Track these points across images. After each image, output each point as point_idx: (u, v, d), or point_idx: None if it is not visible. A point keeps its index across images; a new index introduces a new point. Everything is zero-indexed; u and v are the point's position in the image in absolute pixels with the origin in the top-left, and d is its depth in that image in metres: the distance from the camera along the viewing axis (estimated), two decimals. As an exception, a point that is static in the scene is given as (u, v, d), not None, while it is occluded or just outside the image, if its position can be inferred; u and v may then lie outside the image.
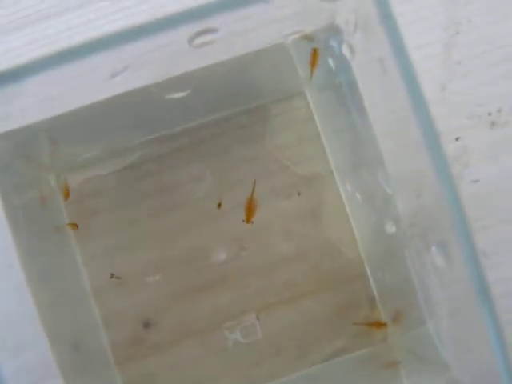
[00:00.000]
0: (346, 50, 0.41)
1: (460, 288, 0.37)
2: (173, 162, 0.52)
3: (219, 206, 0.51)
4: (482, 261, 0.34)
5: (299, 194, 0.52)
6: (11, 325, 0.40)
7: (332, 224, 0.52)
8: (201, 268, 0.51)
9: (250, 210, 0.51)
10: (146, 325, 0.51)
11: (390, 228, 0.44)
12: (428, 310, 0.42)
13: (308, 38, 0.44)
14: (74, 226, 0.50)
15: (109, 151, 0.51)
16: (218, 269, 0.52)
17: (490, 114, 0.51)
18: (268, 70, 0.48)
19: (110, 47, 0.33)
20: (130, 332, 0.51)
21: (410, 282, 0.42)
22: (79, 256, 0.51)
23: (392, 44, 0.35)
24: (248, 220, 0.51)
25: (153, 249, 0.51)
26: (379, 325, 0.51)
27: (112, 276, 0.51)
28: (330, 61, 0.44)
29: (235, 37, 0.39)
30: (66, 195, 0.51)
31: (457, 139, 0.51)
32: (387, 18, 0.34)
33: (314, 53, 0.47)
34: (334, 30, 0.41)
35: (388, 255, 0.48)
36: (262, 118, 0.52)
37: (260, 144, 0.52)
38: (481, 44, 0.51)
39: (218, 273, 0.52)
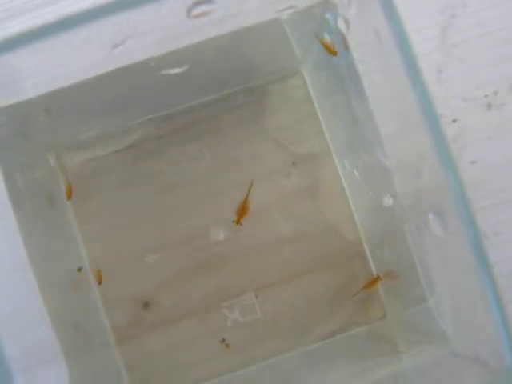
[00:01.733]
0: (341, 25, 0.41)
1: (459, 258, 0.37)
2: (171, 142, 0.52)
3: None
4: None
5: (294, 163, 0.52)
6: (14, 306, 0.40)
7: (330, 203, 0.52)
8: (199, 248, 0.52)
9: (243, 211, 0.51)
10: (146, 304, 0.51)
11: (388, 202, 0.44)
12: (428, 286, 0.42)
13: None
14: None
15: (107, 132, 0.51)
16: (217, 248, 0.52)
17: (486, 96, 0.51)
18: (264, 47, 0.48)
19: (108, 14, 0.33)
20: (130, 312, 0.51)
21: (410, 258, 0.42)
22: (79, 236, 0.51)
23: (387, 14, 0.35)
24: (238, 221, 0.51)
25: (152, 229, 0.52)
26: (374, 281, 0.51)
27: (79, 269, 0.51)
28: (326, 36, 0.44)
29: (230, 11, 0.39)
30: (69, 195, 0.51)
31: (454, 121, 0.51)
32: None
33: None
34: (328, 4, 0.41)
35: (387, 232, 0.48)
36: (259, 98, 0.53)
37: (257, 124, 0.52)
38: (477, 27, 0.51)
39: (216, 252, 0.52)
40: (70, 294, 0.48)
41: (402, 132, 0.39)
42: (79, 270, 0.50)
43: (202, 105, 0.52)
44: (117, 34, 0.37)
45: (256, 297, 0.52)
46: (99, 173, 0.52)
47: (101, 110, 0.48)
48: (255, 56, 0.49)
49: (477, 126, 0.51)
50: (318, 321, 0.52)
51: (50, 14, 0.50)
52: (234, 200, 0.52)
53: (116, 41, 0.37)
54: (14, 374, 0.34)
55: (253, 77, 0.52)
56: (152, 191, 0.52)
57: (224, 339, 0.52)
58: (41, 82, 0.39)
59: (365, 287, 0.52)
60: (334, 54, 0.45)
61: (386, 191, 0.44)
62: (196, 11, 0.36)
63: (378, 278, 0.51)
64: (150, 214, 0.52)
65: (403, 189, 0.42)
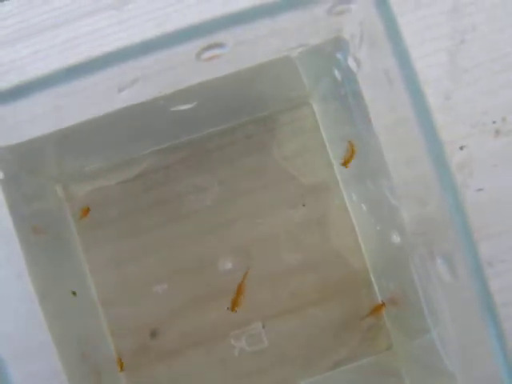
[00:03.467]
0: (351, 62, 0.41)
1: (464, 299, 0.37)
2: (179, 172, 0.52)
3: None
4: (486, 270, 0.34)
5: (304, 205, 0.52)
6: (20, 333, 0.40)
7: (337, 233, 0.52)
8: (208, 277, 0.52)
9: (238, 298, 0.51)
10: (153, 334, 0.52)
11: (395, 238, 0.44)
12: (432, 319, 0.42)
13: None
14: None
15: (115, 162, 0.51)
16: (225, 278, 0.52)
17: (494, 122, 0.51)
18: (274, 82, 0.48)
19: (117, 61, 0.33)
20: (137, 341, 0.52)
21: (415, 291, 0.42)
22: (86, 266, 0.51)
23: (397, 57, 0.35)
24: (233, 308, 0.51)
25: (160, 258, 0.52)
26: (378, 307, 0.51)
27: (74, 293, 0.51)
28: (336, 72, 0.44)
29: (242, 50, 0.39)
30: (85, 214, 0.51)
31: (461, 148, 0.51)
32: (393, 32, 0.34)
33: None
34: (340, 43, 0.41)
35: (393, 264, 0.48)
36: (268, 128, 0.53)
37: (266, 154, 0.53)
38: (486, 52, 0.51)
39: (224, 282, 0.52)
40: (76, 323, 0.49)
41: (407, 162, 0.39)
42: (74, 293, 0.50)
43: (210, 135, 0.52)
44: (126, 77, 0.37)
45: (263, 326, 0.52)
46: (106, 203, 0.52)
47: (109, 142, 0.48)
48: (265, 89, 0.49)
49: (484, 153, 0.51)
50: (323, 351, 0.52)
51: (58, 38, 0.50)
52: (242, 230, 0.52)
53: (122, 84, 0.37)
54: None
55: (262, 107, 0.52)
56: (160, 221, 0.52)
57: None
58: (48, 121, 0.40)
59: (370, 313, 0.51)
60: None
61: (393, 227, 0.44)
62: (206, 55, 0.36)
63: (383, 304, 0.51)
64: (158, 244, 0.52)
65: (409, 219, 0.42)
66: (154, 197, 0.52)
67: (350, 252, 0.52)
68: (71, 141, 0.43)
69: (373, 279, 0.52)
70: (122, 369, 0.51)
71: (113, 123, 0.42)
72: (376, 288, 0.52)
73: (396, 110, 0.38)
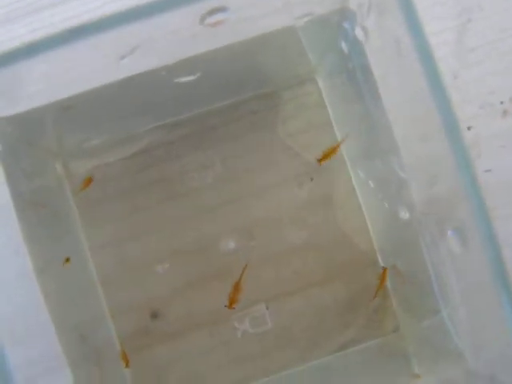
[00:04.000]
0: (359, 33, 0.40)
1: (476, 275, 0.36)
2: (181, 149, 0.51)
3: None
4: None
5: (312, 179, 0.51)
6: (18, 314, 0.39)
7: (343, 212, 0.51)
8: (210, 257, 0.51)
9: (235, 295, 0.50)
10: (154, 315, 0.50)
11: (404, 215, 0.43)
12: (443, 298, 0.41)
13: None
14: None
15: (115, 138, 0.50)
16: (228, 258, 0.51)
17: (502, 102, 0.50)
18: (278, 55, 0.47)
19: (119, 26, 0.32)
20: (138, 322, 0.50)
21: (425, 269, 0.41)
22: (86, 244, 0.50)
23: (408, 24, 0.34)
24: (230, 306, 0.50)
25: (161, 237, 0.51)
26: (383, 274, 0.50)
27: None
28: (343, 44, 0.43)
29: (245, 17, 0.38)
30: (87, 184, 0.50)
31: (469, 128, 0.50)
32: (402, -2, 0.34)
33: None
34: (346, 12, 0.40)
35: (401, 243, 0.47)
36: (273, 105, 0.51)
37: (270, 131, 0.51)
38: (493, 32, 0.50)
39: (227, 262, 0.51)
40: (76, 304, 0.47)
41: (419, 139, 0.38)
42: (67, 260, 0.49)
43: (214, 111, 0.51)
44: (125, 44, 0.36)
45: (267, 307, 0.51)
46: (106, 180, 0.51)
47: (109, 116, 0.47)
48: (269, 63, 0.48)
49: (492, 134, 0.50)
50: (329, 333, 0.51)
51: (56, 17, 0.49)
52: (245, 209, 0.51)
53: (124, 51, 0.36)
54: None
55: (266, 83, 0.51)
56: (161, 199, 0.51)
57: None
58: (48, 91, 0.39)
59: (378, 287, 0.50)
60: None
61: (402, 203, 0.43)
62: (210, 20, 0.35)
63: (385, 269, 0.50)
64: (159, 223, 0.51)
65: (419, 197, 0.41)
66: (155, 174, 0.51)
67: (355, 231, 0.51)
68: (71, 113, 0.42)
69: (379, 259, 0.51)
70: (127, 365, 0.50)
71: (113, 95, 0.41)
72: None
73: (407, 83, 0.37)
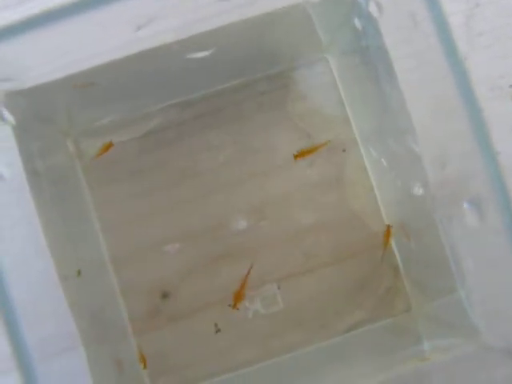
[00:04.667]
0: (373, 9, 0.40)
1: (494, 249, 0.36)
2: (192, 129, 0.51)
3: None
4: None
5: (321, 159, 0.51)
6: (33, 294, 0.39)
7: (355, 192, 0.51)
8: (220, 237, 0.51)
9: (240, 295, 0.50)
10: (164, 295, 0.50)
11: (417, 191, 0.43)
12: (459, 276, 0.40)
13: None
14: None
15: (126, 117, 0.50)
16: (238, 238, 0.51)
17: (511, 86, 0.50)
18: (288, 33, 0.46)
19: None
20: (148, 303, 0.50)
21: (440, 247, 0.41)
22: (97, 224, 0.50)
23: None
24: (235, 305, 0.50)
25: (171, 217, 0.51)
26: (387, 232, 0.50)
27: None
28: (356, 21, 0.43)
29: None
30: (106, 150, 0.50)
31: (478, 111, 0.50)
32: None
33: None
34: (360, -14, 0.40)
35: (415, 221, 0.46)
36: (283, 85, 0.51)
37: (281, 111, 0.51)
38: (501, 16, 0.50)
39: (238, 242, 0.51)
40: (88, 284, 0.47)
41: (435, 118, 0.38)
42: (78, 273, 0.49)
43: (225, 91, 0.51)
44: (141, 15, 0.35)
45: (278, 287, 0.51)
46: (118, 160, 0.50)
47: (121, 94, 0.47)
48: (280, 41, 0.48)
49: (501, 117, 0.50)
50: (340, 313, 0.51)
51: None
52: (256, 189, 0.51)
53: (140, 22, 0.36)
54: (33, 363, 0.34)
55: (277, 63, 0.50)
56: (172, 179, 0.51)
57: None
58: (61, 65, 0.38)
59: (384, 245, 0.50)
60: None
61: (415, 180, 0.43)
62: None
63: (389, 226, 0.50)
64: (170, 203, 0.51)
65: (434, 176, 0.40)
66: (166, 154, 0.51)
67: (367, 211, 0.51)
68: (83, 88, 0.41)
69: (391, 239, 0.51)
70: (145, 366, 0.50)
71: (127, 71, 0.41)
72: (395, 248, 0.51)
73: (423, 60, 0.37)
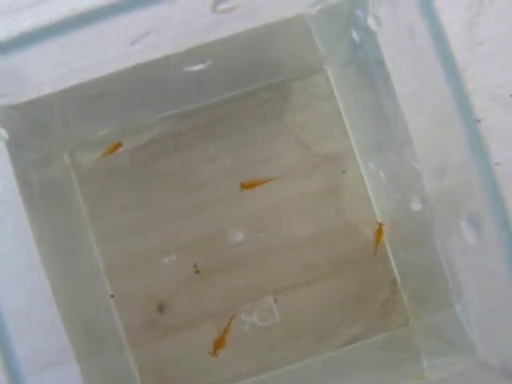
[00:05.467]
0: (371, 21, 0.40)
1: (491, 266, 0.35)
2: (190, 140, 0.51)
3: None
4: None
5: (319, 171, 0.51)
6: (25, 306, 0.39)
7: (352, 204, 0.51)
8: (217, 249, 0.50)
9: (221, 343, 0.49)
10: (161, 308, 0.50)
11: (416, 206, 0.43)
12: (456, 292, 0.40)
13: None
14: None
15: (123, 129, 0.50)
16: (235, 250, 0.50)
17: (511, 95, 0.50)
18: (287, 44, 0.46)
19: (131, 10, 0.32)
20: (144, 315, 0.50)
21: (437, 262, 0.41)
22: (92, 236, 0.50)
23: (422, 10, 0.34)
24: (214, 352, 0.49)
25: (168, 229, 0.50)
26: (379, 230, 0.50)
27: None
28: (354, 33, 0.42)
29: (256, 5, 0.38)
30: (116, 148, 0.49)
31: (478, 121, 0.49)
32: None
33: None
34: (358, 0, 0.40)
35: (413, 235, 0.46)
36: (282, 96, 0.51)
37: (279, 122, 0.51)
38: (503, 25, 0.50)
39: (235, 254, 0.50)
40: (82, 296, 0.47)
41: (434, 130, 0.38)
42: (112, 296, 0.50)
43: (222, 101, 0.50)
44: (136, 29, 0.35)
45: (275, 301, 0.50)
46: (114, 171, 0.50)
47: (118, 106, 0.47)
48: (278, 53, 0.48)
49: (501, 127, 0.50)
50: (337, 327, 0.51)
51: (64, 7, 0.48)
52: (253, 200, 0.50)
53: (135, 37, 0.36)
54: (24, 376, 0.33)
55: (275, 73, 0.50)
56: (169, 191, 0.50)
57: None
58: (56, 79, 0.38)
59: (376, 244, 0.50)
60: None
61: (414, 194, 0.42)
62: (222, 6, 0.35)
63: (381, 225, 0.50)
64: (167, 215, 0.50)
65: (432, 190, 0.40)
66: (164, 165, 0.50)
67: (365, 223, 0.50)
68: (79, 102, 0.41)
69: (389, 252, 0.50)
70: None
71: (123, 83, 0.41)
72: (392, 261, 0.50)
73: (421, 72, 0.36)
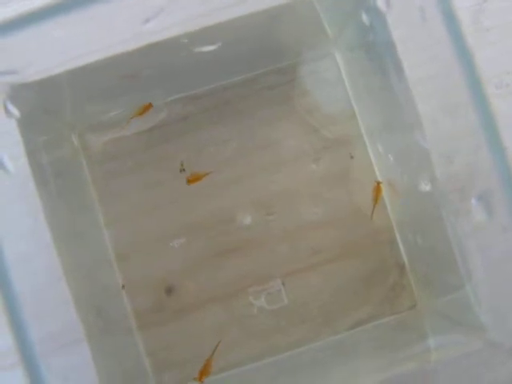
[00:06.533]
0: (381, 3, 0.40)
1: (501, 245, 0.35)
2: (198, 123, 0.51)
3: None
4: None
5: (327, 155, 0.51)
6: (38, 288, 0.39)
7: (361, 188, 0.51)
8: (226, 232, 0.50)
9: (205, 372, 0.49)
10: (169, 290, 0.50)
11: (425, 187, 0.42)
12: (466, 272, 0.40)
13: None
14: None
15: (133, 112, 0.50)
16: (244, 233, 0.50)
17: (518, 82, 0.50)
18: (295, 27, 0.46)
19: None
20: (153, 298, 0.50)
21: (447, 243, 0.41)
22: (101, 218, 0.50)
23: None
24: (200, 379, 0.49)
25: (177, 212, 0.50)
26: (377, 188, 0.50)
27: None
28: (364, 16, 0.42)
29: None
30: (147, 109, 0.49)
31: (485, 107, 0.50)
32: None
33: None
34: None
35: (421, 217, 0.46)
36: (290, 79, 0.51)
37: (287, 105, 0.51)
38: (508, 12, 0.50)
39: (243, 237, 0.50)
40: (92, 278, 0.47)
41: (443, 113, 0.38)
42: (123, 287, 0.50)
43: (231, 85, 0.50)
44: (149, 8, 0.35)
45: (283, 284, 0.50)
46: (123, 154, 0.50)
47: (127, 87, 0.46)
48: (286, 36, 0.48)
49: (508, 114, 0.50)
50: (345, 310, 0.51)
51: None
52: (262, 184, 0.51)
53: (148, 15, 0.36)
54: (36, 358, 0.34)
55: (284, 57, 0.50)
56: (177, 174, 0.50)
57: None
58: (67, 58, 0.38)
59: (374, 202, 0.50)
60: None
61: (423, 175, 0.42)
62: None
63: (379, 183, 0.50)
64: (175, 197, 0.50)
65: (442, 172, 0.40)
66: (172, 148, 0.50)
67: (373, 206, 0.50)
68: (89, 81, 0.41)
69: (397, 235, 0.50)
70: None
71: (134, 63, 0.41)
72: (400, 244, 0.50)
73: (432, 55, 0.36)
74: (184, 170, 0.50)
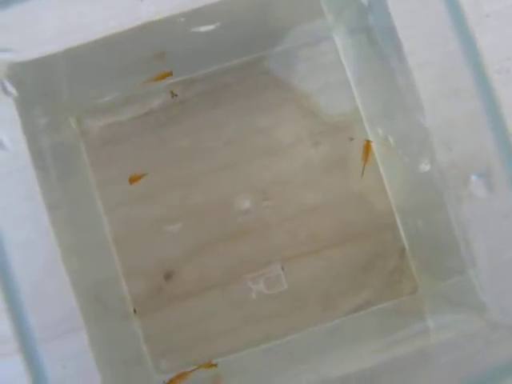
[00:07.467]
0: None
1: (503, 224, 0.35)
2: (195, 107, 0.50)
3: None
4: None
5: (325, 139, 0.51)
6: (36, 275, 0.39)
7: (360, 172, 0.50)
8: (224, 217, 0.50)
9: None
10: (167, 275, 0.50)
11: (425, 167, 0.42)
12: (468, 255, 0.40)
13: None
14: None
15: (130, 95, 0.49)
16: (242, 218, 0.50)
17: (518, 67, 0.49)
18: (293, 10, 0.46)
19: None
20: (151, 283, 0.50)
21: (449, 227, 0.41)
22: (100, 203, 0.49)
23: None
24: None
25: (174, 197, 0.50)
26: (367, 145, 0.50)
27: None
28: (363, -4, 0.42)
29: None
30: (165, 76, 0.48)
31: (485, 93, 0.49)
32: None
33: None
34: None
35: (422, 201, 0.46)
36: (288, 63, 0.51)
37: (285, 90, 0.51)
38: (509, -4, 0.50)
39: (241, 222, 0.50)
40: (90, 264, 0.47)
41: (444, 97, 0.37)
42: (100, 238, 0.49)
43: (229, 69, 0.50)
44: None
45: (282, 268, 0.50)
46: (120, 138, 0.50)
47: (123, 69, 0.46)
48: (284, 19, 0.47)
49: (508, 100, 0.49)
50: (344, 294, 0.50)
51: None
52: (260, 168, 0.50)
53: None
54: (35, 344, 0.33)
55: (282, 41, 0.50)
56: (175, 159, 0.50)
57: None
58: (63, 38, 0.38)
59: (364, 161, 0.50)
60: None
61: (423, 157, 0.42)
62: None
63: (369, 142, 0.50)
64: (173, 182, 0.50)
65: (443, 156, 0.40)
66: (169, 133, 0.50)
67: (372, 192, 0.50)
68: (84, 62, 0.41)
69: (397, 219, 0.50)
70: None
71: (129, 43, 0.40)
72: (401, 228, 0.50)
73: (433, 37, 0.36)
74: (176, 95, 0.49)
